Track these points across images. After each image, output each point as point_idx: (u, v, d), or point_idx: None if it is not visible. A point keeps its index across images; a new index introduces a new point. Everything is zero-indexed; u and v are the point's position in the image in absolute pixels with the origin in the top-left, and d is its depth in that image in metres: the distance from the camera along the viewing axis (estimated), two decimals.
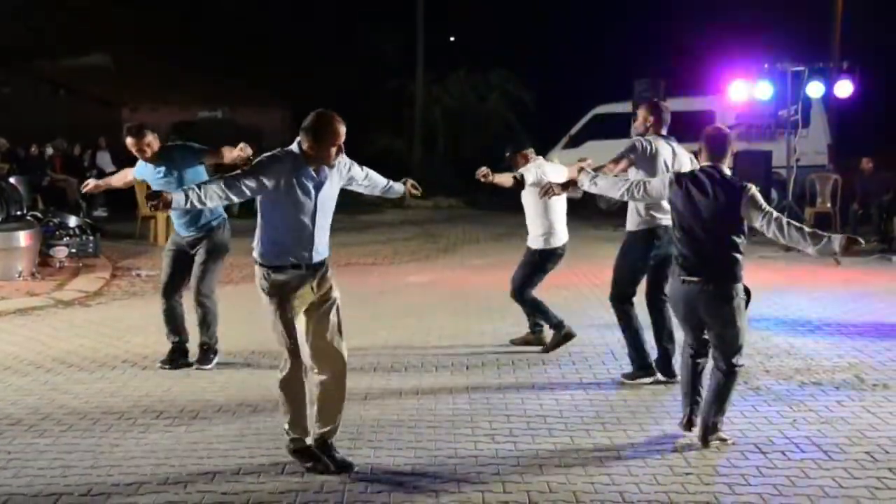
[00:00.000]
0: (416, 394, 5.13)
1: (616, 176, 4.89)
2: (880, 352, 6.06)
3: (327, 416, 3.97)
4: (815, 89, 11.50)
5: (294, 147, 3.81)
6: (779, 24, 19.43)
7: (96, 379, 5.48)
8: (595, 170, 4.79)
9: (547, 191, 5.07)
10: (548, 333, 6.30)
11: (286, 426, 3.99)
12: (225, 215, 5.81)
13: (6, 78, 21.06)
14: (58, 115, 19.25)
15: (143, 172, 5.77)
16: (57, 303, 7.94)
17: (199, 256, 5.67)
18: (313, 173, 3.81)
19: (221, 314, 5.81)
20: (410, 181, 4.74)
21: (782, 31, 18.64)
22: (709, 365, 4.31)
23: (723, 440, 4.22)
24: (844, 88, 11.44)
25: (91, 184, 6.20)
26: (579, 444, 4.29)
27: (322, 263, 3.93)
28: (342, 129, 3.77)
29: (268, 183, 3.73)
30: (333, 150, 3.77)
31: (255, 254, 3.90)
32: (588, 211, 15.81)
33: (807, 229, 4.05)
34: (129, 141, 5.53)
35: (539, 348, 6.13)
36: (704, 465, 4.01)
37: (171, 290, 5.72)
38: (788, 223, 4.03)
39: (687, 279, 4.14)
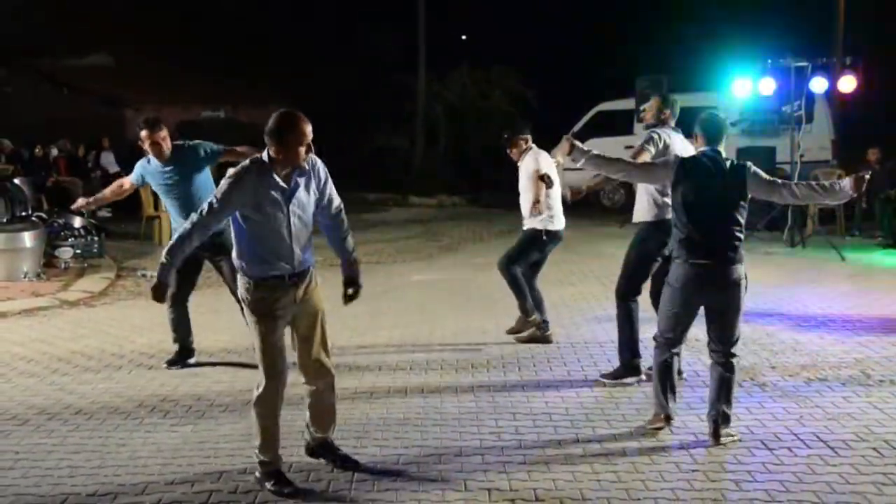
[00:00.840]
0: (422, 392, 5.14)
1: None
2: (886, 347, 6.05)
3: (322, 423, 3.96)
4: (818, 84, 11.46)
5: (263, 155, 3.64)
6: (782, 20, 19.38)
7: (102, 379, 5.50)
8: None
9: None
10: (553, 330, 6.31)
11: (256, 450, 3.80)
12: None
13: (8, 77, 21.07)
14: (60, 115, 19.26)
15: (145, 174, 5.64)
16: (62, 303, 7.95)
17: (226, 263, 5.45)
18: (282, 183, 3.63)
19: (224, 314, 5.81)
20: (356, 290, 3.94)
21: (785, 26, 18.58)
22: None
23: (730, 436, 4.22)
24: (848, 83, 11.40)
25: (80, 202, 5.96)
26: (585, 442, 4.29)
27: (305, 273, 3.77)
28: (308, 128, 3.59)
29: (237, 206, 3.59)
30: (301, 149, 3.59)
31: (237, 263, 3.75)
32: (593, 208, 15.90)
33: (814, 183, 4.31)
34: (143, 133, 5.40)
35: (544, 345, 6.15)
36: (710, 462, 4.01)
37: (182, 297, 5.68)
38: (797, 183, 4.31)
39: (696, 262, 4.14)
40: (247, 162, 3.66)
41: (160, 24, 24.38)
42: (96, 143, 17.53)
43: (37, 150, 15.75)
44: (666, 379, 4.41)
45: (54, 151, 16.14)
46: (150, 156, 5.55)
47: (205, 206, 3.63)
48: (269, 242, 3.65)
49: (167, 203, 5.71)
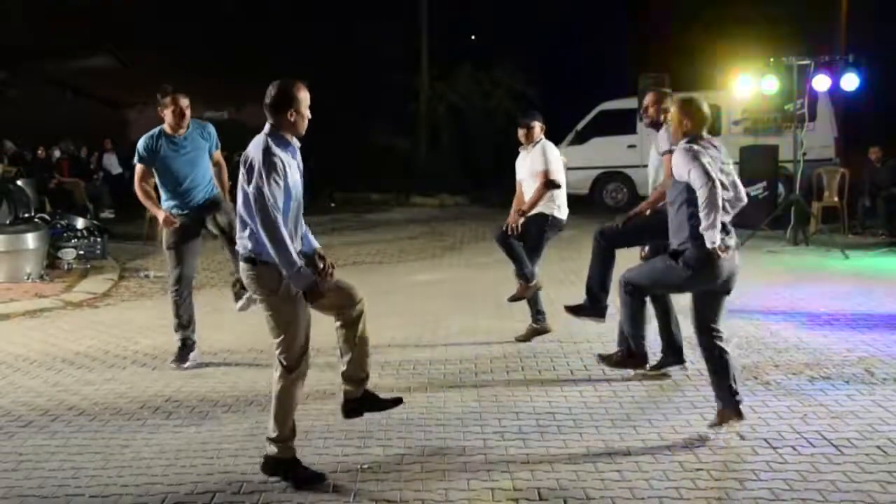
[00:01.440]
0: (425, 391, 5.13)
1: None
2: (890, 345, 6.03)
3: (364, 354, 3.85)
4: (821, 83, 11.44)
5: (266, 130, 3.54)
6: (784, 18, 19.33)
7: (105, 380, 5.50)
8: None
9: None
10: (555, 329, 6.30)
11: (274, 433, 3.72)
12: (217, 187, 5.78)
13: (13, 79, 21.12)
14: (63, 117, 19.30)
15: (155, 148, 5.47)
16: (65, 304, 7.96)
17: (224, 217, 5.57)
18: (296, 152, 3.59)
19: (223, 314, 5.81)
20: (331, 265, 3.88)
21: (788, 24, 18.54)
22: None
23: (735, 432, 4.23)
24: (851, 81, 11.37)
25: (162, 219, 5.55)
26: (588, 441, 4.29)
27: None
28: (307, 94, 3.58)
29: (282, 175, 3.47)
30: (308, 113, 3.57)
31: (254, 251, 3.54)
32: (595, 207, 15.90)
33: (708, 218, 4.05)
34: (167, 99, 5.37)
35: (547, 344, 6.14)
36: (714, 461, 4.01)
37: (187, 280, 5.70)
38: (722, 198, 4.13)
39: (731, 243, 4.17)
40: (258, 139, 3.52)
41: (162, 25, 24.42)
42: (99, 144, 17.56)
43: (39, 152, 15.78)
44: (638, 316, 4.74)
45: (57, 153, 16.16)
46: (164, 125, 5.51)
47: (263, 197, 3.37)
48: (290, 218, 3.54)
49: (167, 180, 5.54)
